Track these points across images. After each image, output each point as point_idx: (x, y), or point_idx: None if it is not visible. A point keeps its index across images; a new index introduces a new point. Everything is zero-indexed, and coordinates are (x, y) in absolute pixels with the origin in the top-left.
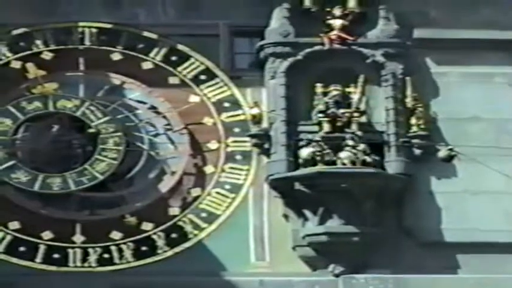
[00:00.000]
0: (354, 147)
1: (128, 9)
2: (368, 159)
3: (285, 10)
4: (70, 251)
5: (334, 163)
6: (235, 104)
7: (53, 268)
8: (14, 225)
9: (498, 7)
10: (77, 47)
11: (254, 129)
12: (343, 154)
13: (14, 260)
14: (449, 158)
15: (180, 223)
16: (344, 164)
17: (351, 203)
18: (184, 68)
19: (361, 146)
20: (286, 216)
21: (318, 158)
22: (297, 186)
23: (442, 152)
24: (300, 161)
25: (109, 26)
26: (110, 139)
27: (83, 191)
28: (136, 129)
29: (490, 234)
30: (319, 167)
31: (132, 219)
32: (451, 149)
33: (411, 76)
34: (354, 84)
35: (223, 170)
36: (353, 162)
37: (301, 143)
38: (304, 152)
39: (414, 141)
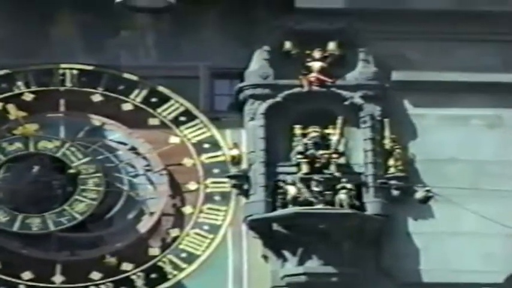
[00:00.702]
0: (350, 190)
1: (109, 51)
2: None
3: (265, 52)
4: None
5: (313, 204)
6: (215, 145)
7: None
8: None
9: (475, 50)
10: (58, 89)
11: (233, 170)
12: (340, 196)
13: None
14: (426, 199)
15: (160, 263)
16: (342, 205)
17: (330, 243)
18: (164, 110)
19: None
20: (265, 257)
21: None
22: (275, 227)
23: (419, 193)
24: (288, 198)
25: (90, 67)
26: (89, 180)
27: (62, 232)
28: (117, 170)
29: (468, 275)
30: (297, 208)
31: (112, 260)
32: (428, 190)
33: (389, 118)
34: (332, 126)
35: (201, 211)
36: (351, 206)
37: (286, 182)
38: (292, 190)
39: (392, 182)
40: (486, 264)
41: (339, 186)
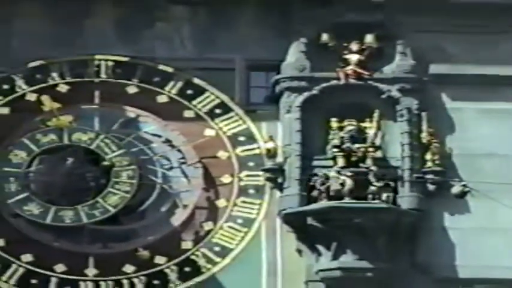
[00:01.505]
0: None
1: (144, 43)
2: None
3: (302, 44)
4: (82, 284)
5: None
6: (250, 138)
7: None
8: (27, 257)
9: None
10: (93, 80)
11: (268, 164)
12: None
13: None
14: (463, 194)
15: (193, 257)
16: (377, 199)
17: (364, 238)
18: (200, 102)
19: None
20: (299, 251)
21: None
22: (310, 221)
23: (456, 188)
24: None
25: (125, 59)
26: (123, 172)
27: (95, 224)
28: (151, 163)
29: (504, 271)
30: (332, 202)
31: (144, 253)
32: (464, 185)
33: (427, 111)
34: (369, 119)
35: (235, 204)
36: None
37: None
38: (348, 181)
39: (428, 176)
40: None
41: (375, 180)
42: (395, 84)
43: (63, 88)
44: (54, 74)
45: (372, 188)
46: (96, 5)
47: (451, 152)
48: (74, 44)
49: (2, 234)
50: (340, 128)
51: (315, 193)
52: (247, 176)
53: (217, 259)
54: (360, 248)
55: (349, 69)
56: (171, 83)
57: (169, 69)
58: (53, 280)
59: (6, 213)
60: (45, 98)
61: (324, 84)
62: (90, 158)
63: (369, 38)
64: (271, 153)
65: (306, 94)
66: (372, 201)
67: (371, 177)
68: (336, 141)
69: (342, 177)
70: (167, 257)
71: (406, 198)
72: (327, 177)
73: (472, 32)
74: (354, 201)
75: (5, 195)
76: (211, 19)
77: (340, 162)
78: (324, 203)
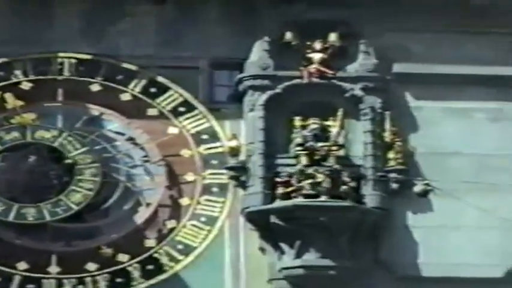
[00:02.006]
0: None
1: (109, 40)
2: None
3: (266, 43)
4: (45, 281)
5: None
6: (214, 136)
7: None
8: None
9: (478, 43)
10: (56, 78)
11: (232, 162)
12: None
13: None
14: (425, 193)
15: (156, 255)
16: (341, 198)
17: (328, 236)
18: (164, 100)
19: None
20: (262, 249)
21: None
22: (273, 219)
23: (418, 187)
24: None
25: (89, 57)
26: (86, 170)
27: (58, 222)
28: (114, 161)
29: (467, 269)
30: (295, 200)
31: (108, 251)
32: (427, 184)
33: (390, 110)
34: (332, 118)
35: (199, 202)
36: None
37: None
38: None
39: (391, 175)
40: (485, 258)
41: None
42: (359, 83)
43: (26, 86)
44: (18, 72)
45: (342, 186)
46: (59, 2)
47: (414, 151)
48: (37, 42)
49: None
50: (304, 127)
51: (280, 190)
52: (211, 174)
53: (180, 257)
54: (323, 246)
55: (313, 68)
56: (135, 81)
57: (133, 67)
58: (16, 278)
59: None
60: (8, 96)
61: (287, 83)
62: (53, 156)
63: (333, 37)
64: (235, 152)
65: (269, 93)
66: (336, 200)
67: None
68: (299, 140)
69: (320, 175)
70: (130, 254)
71: (369, 197)
72: (303, 175)
73: (435, 31)
74: (317, 199)
75: None
76: (176, 17)
77: (304, 160)
78: (287, 202)
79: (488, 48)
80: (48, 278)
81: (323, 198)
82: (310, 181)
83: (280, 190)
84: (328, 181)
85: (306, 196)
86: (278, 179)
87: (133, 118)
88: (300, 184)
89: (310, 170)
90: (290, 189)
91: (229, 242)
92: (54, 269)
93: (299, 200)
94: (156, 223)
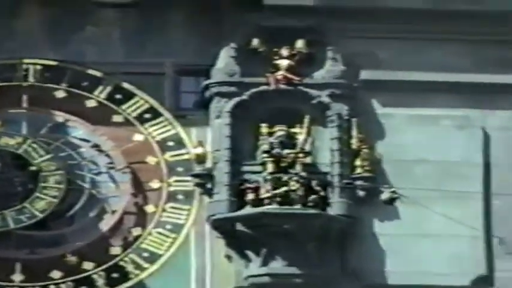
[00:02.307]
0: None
1: (73, 47)
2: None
3: (232, 50)
4: None
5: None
6: (180, 143)
7: None
8: None
9: (444, 50)
10: (21, 84)
11: (198, 169)
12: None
13: None
14: (392, 201)
15: (122, 263)
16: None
17: (294, 244)
18: (129, 107)
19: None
20: (228, 257)
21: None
22: (239, 226)
23: (385, 194)
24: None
25: (54, 63)
26: (51, 177)
27: (22, 229)
28: (79, 168)
29: (434, 277)
30: (260, 208)
31: (72, 259)
32: (393, 191)
33: (357, 117)
34: (299, 125)
35: (164, 210)
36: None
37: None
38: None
39: (358, 182)
40: (453, 266)
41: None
42: (326, 89)
43: None
44: None
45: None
46: (24, 7)
47: (381, 158)
48: (2, 48)
49: None
50: (270, 134)
51: (249, 197)
52: (176, 181)
53: (146, 265)
54: (289, 254)
55: (279, 74)
56: (100, 88)
57: (98, 74)
58: None
59: None
60: None
61: (254, 90)
62: (18, 163)
63: (299, 44)
64: (201, 159)
65: (236, 99)
66: (302, 207)
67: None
68: (266, 147)
69: (287, 182)
70: (95, 262)
71: (336, 204)
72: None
73: (401, 37)
74: (283, 207)
75: None
76: (141, 23)
77: (270, 167)
78: (253, 209)
79: (455, 55)
80: (12, 286)
81: (290, 205)
82: (277, 188)
83: (249, 197)
84: (295, 188)
85: (273, 203)
86: (248, 185)
87: (98, 125)
88: (267, 191)
89: (276, 177)
90: (257, 196)
91: (195, 249)
92: (18, 277)
93: (264, 208)
94: (122, 231)
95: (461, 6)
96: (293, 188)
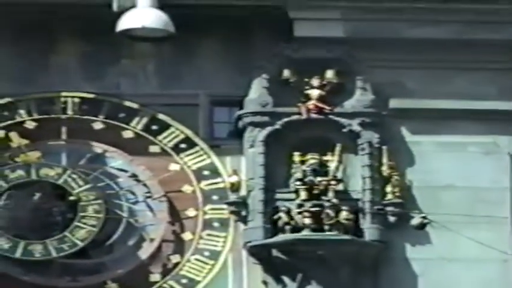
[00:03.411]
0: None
1: (110, 79)
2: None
3: (264, 80)
4: None
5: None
6: (215, 172)
7: None
8: None
9: (471, 78)
10: (60, 116)
11: (232, 197)
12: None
13: None
14: (422, 226)
15: None
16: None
17: (328, 269)
18: (165, 137)
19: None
20: (265, 283)
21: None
22: (275, 253)
23: (415, 220)
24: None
25: (91, 95)
26: (89, 207)
27: (64, 258)
28: (117, 197)
29: None
30: (295, 234)
31: (113, 286)
32: (424, 217)
33: (387, 145)
34: (331, 153)
35: (201, 237)
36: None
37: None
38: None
39: (389, 208)
40: None
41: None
42: (356, 118)
43: (30, 125)
44: (22, 111)
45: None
46: (60, 42)
47: (411, 185)
48: (40, 81)
49: None
50: (303, 162)
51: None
52: (212, 209)
53: None
54: (323, 279)
55: (311, 104)
56: (137, 119)
57: (135, 105)
58: None
59: None
60: (13, 135)
61: (286, 119)
62: (57, 193)
63: (329, 74)
64: (235, 187)
65: (268, 129)
66: (335, 233)
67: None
68: (299, 175)
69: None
70: None
71: (368, 230)
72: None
73: (428, 67)
74: (317, 233)
75: None
76: (175, 55)
77: (303, 195)
78: (287, 235)
79: (479, 83)
80: None
81: (324, 232)
82: (310, 215)
83: (281, 224)
84: (328, 215)
85: (308, 230)
86: (280, 214)
87: (135, 155)
88: (301, 218)
89: (309, 204)
90: (291, 222)
91: (233, 275)
92: None
93: (299, 234)
94: (160, 258)
95: (482, 35)
96: (321, 214)
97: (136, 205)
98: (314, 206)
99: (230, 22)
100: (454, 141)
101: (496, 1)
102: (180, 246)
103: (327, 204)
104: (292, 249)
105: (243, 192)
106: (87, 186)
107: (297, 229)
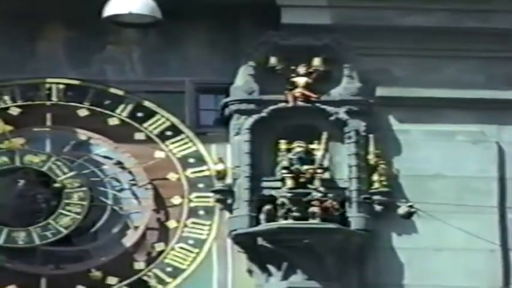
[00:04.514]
0: (321, 202)
1: (95, 66)
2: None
3: (250, 68)
4: None
5: (299, 219)
6: (200, 160)
7: None
8: None
9: (459, 66)
10: (44, 103)
11: (218, 185)
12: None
13: None
14: (409, 215)
15: (145, 277)
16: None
17: (314, 258)
18: (150, 124)
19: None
20: (250, 271)
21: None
22: (260, 241)
23: (402, 209)
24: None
25: (76, 82)
26: (74, 194)
27: (47, 245)
28: (102, 184)
29: None
30: (281, 223)
31: (97, 274)
32: (410, 206)
33: (374, 133)
34: (317, 141)
35: (186, 225)
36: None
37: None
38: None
39: (375, 197)
40: (470, 280)
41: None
42: (343, 106)
43: (14, 111)
44: (6, 97)
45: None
46: (46, 28)
47: (398, 173)
48: (25, 67)
49: None
50: (289, 150)
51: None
52: (197, 197)
53: (169, 279)
54: (309, 268)
55: (297, 91)
56: (122, 106)
57: (120, 92)
58: None
59: None
60: None
61: (273, 107)
62: (42, 180)
63: (316, 61)
64: (221, 175)
65: (255, 116)
66: (321, 222)
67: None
68: (285, 163)
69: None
70: (119, 277)
71: (354, 219)
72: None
73: (416, 55)
74: (303, 222)
75: None
76: (161, 42)
77: (289, 183)
78: (273, 224)
79: (469, 72)
80: None
81: (309, 220)
82: (296, 203)
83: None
84: (314, 203)
85: (293, 218)
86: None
87: (120, 142)
88: (287, 206)
89: (295, 193)
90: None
91: (217, 264)
92: None
93: (284, 222)
94: (145, 246)
95: (472, 23)
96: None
97: (121, 193)
98: (300, 194)
99: (217, 9)
100: (441, 130)
101: None
102: (164, 234)
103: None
104: (277, 237)
105: (228, 180)
106: (72, 173)
107: (283, 217)
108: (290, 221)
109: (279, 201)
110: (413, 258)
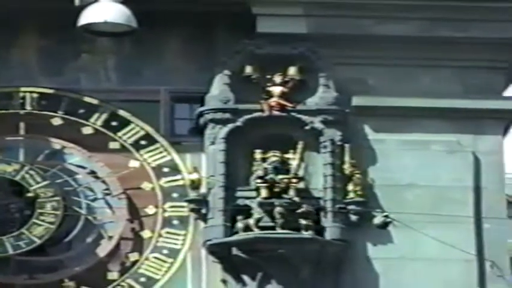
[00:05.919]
0: (292, 211)
1: (69, 75)
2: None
3: (226, 77)
4: None
5: (272, 228)
6: (175, 170)
7: None
8: None
9: (434, 76)
10: (18, 112)
11: (192, 195)
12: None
13: None
14: (384, 225)
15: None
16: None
17: (289, 268)
18: (125, 133)
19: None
20: (224, 282)
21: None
22: (235, 251)
23: (378, 219)
24: (239, 225)
25: (50, 91)
26: (47, 203)
27: (20, 255)
28: (75, 194)
29: None
30: (256, 232)
31: (71, 284)
32: (386, 216)
33: (349, 143)
34: (292, 151)
35: (160, 235)
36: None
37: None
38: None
39: (351, 207)
40: None
41: (298, 211)
42: (319, 116)
43: None
44: None
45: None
46: (20, 36)
47: (373, 183)
48: None
49: None
50: (264, 160)
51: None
52: (171, 207)
53: None
54: (284, 278)
55: (273, 101)
56: (96, 115)
57: (94, 101)
58: None
59: None
60: None
61: (248, 116)
62: (15, 190)
63: (292, 71)
64: (195, 184)
65: (230, 126)
66: (296, 232)
67: (294, 208)
68: (260, 172)
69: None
70: (93, 287)
71: (329, 229)
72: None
73: (391, 64)
74: (278, 231)
75: None
76: (136, 51)
77: (264, 193)
78: (248, 234)
79: (444, 81)
80: None
81: (283, 230)
82: (270, 213)
83: (240, 223)
84: (288, 213)
85: (266, 228)
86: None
87: (94, 151)
88: (260, 216)
89: (269, 203)
90: (251, 221)
91: (192, 274)
92: None
93: (259, 232)
94: (119, 256)
95: (448, 33)
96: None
97: (95, 202)
98: (275, 204)
99: (192, 17)
100: (417, 140)
101: None
102: (138, 244)
103: (288, 202)
104: (252, 247)
105: (203, 189)
106: (45, 182)
107: (258, 228)
108: (264, 230)
109: (253, 211)
110: (388, 268)
